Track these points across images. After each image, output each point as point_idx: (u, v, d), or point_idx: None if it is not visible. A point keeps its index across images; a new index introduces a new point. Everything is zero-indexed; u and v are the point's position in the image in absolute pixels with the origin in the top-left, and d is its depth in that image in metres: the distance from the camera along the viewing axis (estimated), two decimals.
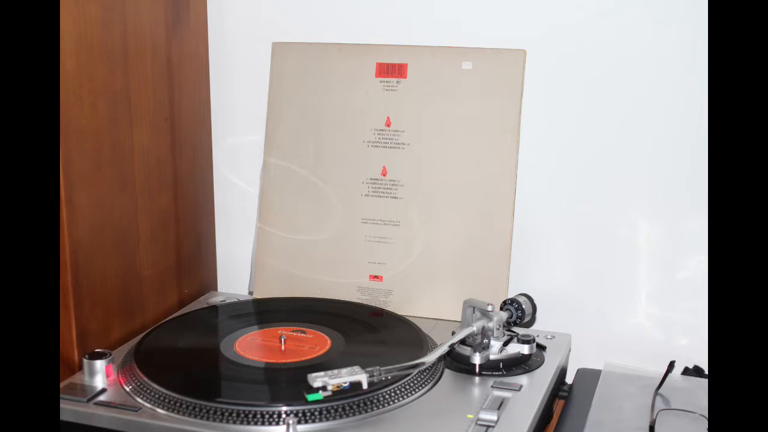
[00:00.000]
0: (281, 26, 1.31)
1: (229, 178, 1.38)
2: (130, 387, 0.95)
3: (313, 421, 0.87)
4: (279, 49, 1.28)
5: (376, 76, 1.24)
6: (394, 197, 1.23)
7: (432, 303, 1.20)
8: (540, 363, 1.03)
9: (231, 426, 0.87)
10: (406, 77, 1.23)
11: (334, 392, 0.87)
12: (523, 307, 1.06)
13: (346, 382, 0.87)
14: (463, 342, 1.01)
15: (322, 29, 1.29)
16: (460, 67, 1.20)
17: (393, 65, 1.23)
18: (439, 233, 1.20)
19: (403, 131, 1.22)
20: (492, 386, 0.97)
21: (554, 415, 1.03)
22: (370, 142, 1.24)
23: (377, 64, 1.24)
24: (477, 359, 1.00)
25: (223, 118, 1.36)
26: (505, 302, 1.07)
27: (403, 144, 1.22)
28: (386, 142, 1.23)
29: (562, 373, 1.10)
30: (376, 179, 1.24)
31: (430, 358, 0.96)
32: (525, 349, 1.03)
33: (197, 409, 0.89)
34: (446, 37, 1.22)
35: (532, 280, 1.22)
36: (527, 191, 1.21)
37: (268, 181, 1.28)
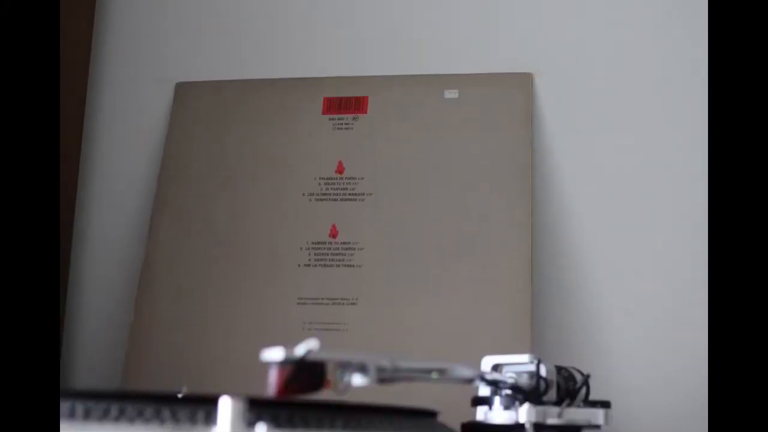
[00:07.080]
0: (186, 65, 0.99)
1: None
2: None
3: None
4: (184, 91, 0.95)
5: (323, 113, 0.92)
6: (349, 265, 0.86)
7: None
8: None
9: None
10: (365, 112, 0.91)
11: None
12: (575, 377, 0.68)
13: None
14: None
15: (244, 64, 0.98)
16: (442, 97, 0.89)
17: (348, 99, 0.92)
18: (421, 313, 0.83)
19: (361, 178, 0.89)
20: None
21: None
22: (313, 194, 0.89)
23: (325, 98, 0.92)
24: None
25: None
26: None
27: (361, 195, 0.88)
28: (337, 194, 0.89)
29: None
30: (322, 243, 0.87)
31: None
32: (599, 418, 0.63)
33: None
34: (414, 65, 0.93)
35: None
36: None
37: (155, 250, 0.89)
